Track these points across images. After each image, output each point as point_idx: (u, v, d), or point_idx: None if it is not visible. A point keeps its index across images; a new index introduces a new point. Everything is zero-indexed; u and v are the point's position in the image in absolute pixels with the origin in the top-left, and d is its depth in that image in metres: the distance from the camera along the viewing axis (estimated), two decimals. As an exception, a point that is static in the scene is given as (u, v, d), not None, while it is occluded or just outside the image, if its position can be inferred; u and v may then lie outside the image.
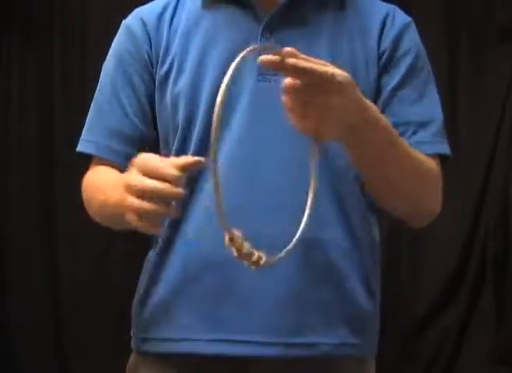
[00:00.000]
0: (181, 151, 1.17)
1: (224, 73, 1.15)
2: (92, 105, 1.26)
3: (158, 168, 0.94)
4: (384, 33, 1.20)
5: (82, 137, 1.26)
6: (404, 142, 1.12)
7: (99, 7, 3.25)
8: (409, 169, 1.13)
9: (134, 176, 0.96)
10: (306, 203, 1.13)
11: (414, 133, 1.18)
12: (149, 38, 1.21)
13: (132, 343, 1.22)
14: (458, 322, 3.04)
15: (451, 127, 3.00)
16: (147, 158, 0.97)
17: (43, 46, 3.29)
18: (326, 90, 0.95)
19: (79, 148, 1.25)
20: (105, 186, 1.15)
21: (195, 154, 1.16)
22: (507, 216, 3.00)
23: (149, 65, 1.21)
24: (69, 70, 3.27)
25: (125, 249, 2.95)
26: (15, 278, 3.23)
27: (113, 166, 1.20)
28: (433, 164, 1.19)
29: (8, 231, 3.25)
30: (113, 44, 1.25)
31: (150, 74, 1.21)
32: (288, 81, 0.95)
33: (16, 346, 3.21)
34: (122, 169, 1.16)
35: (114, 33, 1.26)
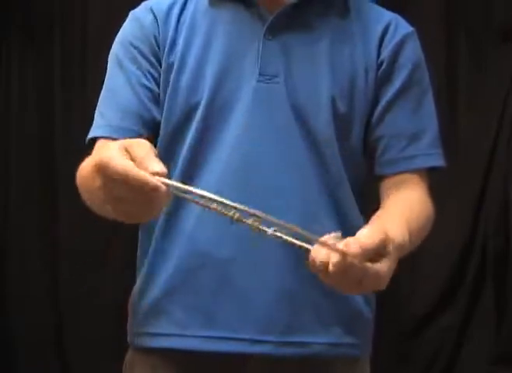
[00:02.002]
0: (175, 144, 1.18)
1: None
2: (102, 93, 1.24)
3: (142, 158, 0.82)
4: (384, 43, 1.21)
5: (94, 123, 1.21)
6: (414, 224, 1.09)
7: (99, 7, 3.25)
8: (417, 238, 1.14)
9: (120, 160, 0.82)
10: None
11: (407, 145, 1.20)
12: (158, 27, 1.21)
13: (128, 338, 1.23)
14: (458, 322, 3.05)
15: (451, 128, 3.01)
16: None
17: (43, 46, 3.29)
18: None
19: (91, 134, 1.20)
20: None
21: (190, 150, 1.17)
22: (507, 216, 3.00)
23: (157, 50, 1.20)
24: (69, 70, 3.27)
25: (126, 248, 2.95)
26: (15, 278, 3.23)
27: None
28: (427, 202, 1.20)
29: (8, 231, 3.25)
30: (119, 33, 1.25)
31: (158, 59, 1.20)
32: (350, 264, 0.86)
33: (16, 346, 3.21)
34: None
35: (114, 33, 1.26)
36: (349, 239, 0.87)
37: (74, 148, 3.29)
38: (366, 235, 0.88)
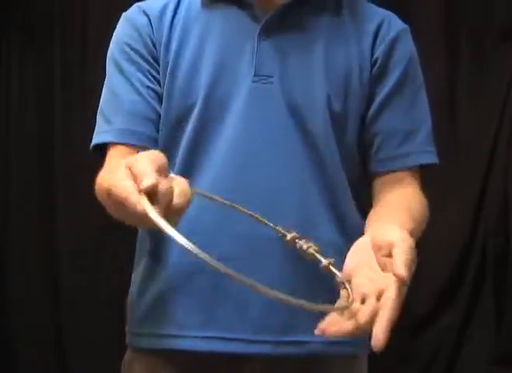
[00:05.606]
0: (172, 145, 1.18)
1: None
2: (103, 97, 1.22)
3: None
4: (378, 41, 1.21)
5: (99, 128, 1.20)
6: (417, 224, 1.10)
7: (99, 7, 3.25)
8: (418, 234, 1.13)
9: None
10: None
11: (401, 143, 1.20)
12: (152, 29, 1.21)
13: (127, 339, 1.23)
14: (458, 322, 3.04)
15: (452, 128, 3.01)
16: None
17: (43, 46, 3.29)
18: None
19: (97, 140, 1.19)
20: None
21: (186, 151, 1.16)
22: (507, 216, 3.00)
23: (154, 50, 1.20)
24: (69, 70, 3.27)
25: (126, 248, 2.95)
26: (15, 278, 3.23)
27: (133, 150, 1.15)
28: (423, 200, 1.20)
29: (8, 231, 3.25)
30: (114, 36, 1.24)
31: (155, 59, 1.20)
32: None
33: (16, 346, 3.21)
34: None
35: (114, 34, 1.26)
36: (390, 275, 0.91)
37: (74, 148, 3.31)
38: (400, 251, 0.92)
